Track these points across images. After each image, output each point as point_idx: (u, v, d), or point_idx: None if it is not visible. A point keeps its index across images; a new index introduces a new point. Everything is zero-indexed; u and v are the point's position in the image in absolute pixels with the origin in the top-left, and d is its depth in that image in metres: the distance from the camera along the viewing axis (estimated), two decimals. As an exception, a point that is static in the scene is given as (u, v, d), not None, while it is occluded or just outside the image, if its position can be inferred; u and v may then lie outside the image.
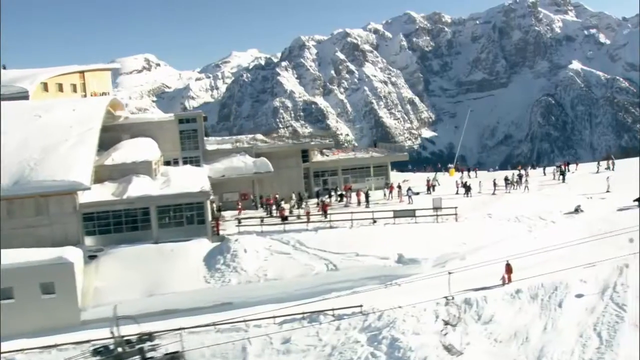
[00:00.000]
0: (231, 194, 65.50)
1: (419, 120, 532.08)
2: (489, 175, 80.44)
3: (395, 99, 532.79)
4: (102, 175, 56.06)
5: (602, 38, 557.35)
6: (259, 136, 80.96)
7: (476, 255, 44.32)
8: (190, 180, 57.41)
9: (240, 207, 62.18)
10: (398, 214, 53.55)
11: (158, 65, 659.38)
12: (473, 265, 37.96)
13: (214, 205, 59.72)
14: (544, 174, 79.87)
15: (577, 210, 54.26)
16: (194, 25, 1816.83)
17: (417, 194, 65.73)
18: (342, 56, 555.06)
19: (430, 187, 69.42)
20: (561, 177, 72.91)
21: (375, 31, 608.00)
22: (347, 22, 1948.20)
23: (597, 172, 77.75)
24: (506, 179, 68.49)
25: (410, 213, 53.90)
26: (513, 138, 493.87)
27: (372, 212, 55.60)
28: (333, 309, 38.26)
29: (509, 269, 40.03)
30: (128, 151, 60.75)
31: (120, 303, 39.79)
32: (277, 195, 63.36)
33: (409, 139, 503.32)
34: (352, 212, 55.82)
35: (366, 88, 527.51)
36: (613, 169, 76.68)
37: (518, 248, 41.82)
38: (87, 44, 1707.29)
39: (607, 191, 60.93)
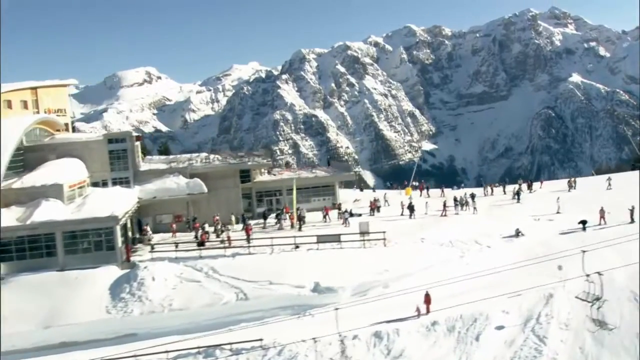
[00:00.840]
0: (165, 215, 62.63)
1: (419, 133, 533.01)
2: (451, 195, 78.04)
3: (395, 112, 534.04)
4: (10, 199, 52.81)
5: (602, 51, 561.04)
6: (198, 155, 77.25)
7: (400, 283, 41.29)
8: (110, 203, 54.46)
9: (174, 229, 59.36)
10: (322, 239, 50.56)
11: (159, 78, 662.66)
12: (390, 293, 36.37)
13: (130, 229, 57.65)
14: (504, 193, 77.57)
15: (517, 233, 52.14)
16: (195, 39, 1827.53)
17: (360, 215, 63.13)
18: (342, 69, 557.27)
19: (375, 208, 66.15)
20: (516, 197, 70.32)
21: (376, 44, 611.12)
22: (347, 35, 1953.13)
23: (570, 190, 75.73)
24: (455, 200, 65.75)
25: (335, 238, 50.78)
26: (513, 151, 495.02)
27: (294, 237, 52.17)
28: (231, 343, 35.72)
29: (427, 298, 37.43)
30: (42, 173, 57.68)
31: (11, 336, 37.98)
32: (217, 217, 60.67)
33: (410, 152, 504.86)
34: (272, 237, 52.49)
35: (366, 101, 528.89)
36: (574, 188, 75.47)
37: (446, 275, 39.29)
38: (88, 57, 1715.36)
39: (558, 212, 59.09)
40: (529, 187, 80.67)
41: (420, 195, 77.71)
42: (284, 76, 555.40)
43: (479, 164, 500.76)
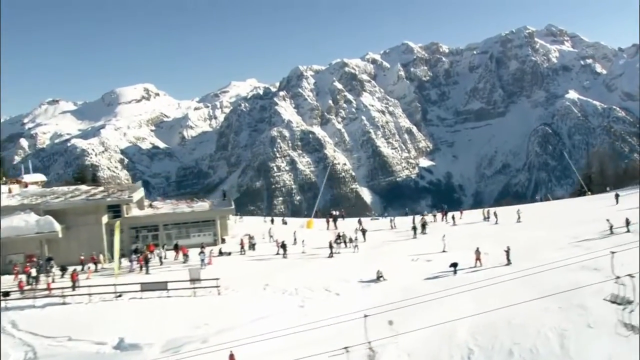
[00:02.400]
0: (16, 255, 57.13)
1: (416, 149, 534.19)
2: (366, 225, 74.46)
3: (392, 129, 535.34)
4: None
5: (599, 68, 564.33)
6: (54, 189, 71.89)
7: (221, 337, 36.42)
8: None
9: (24, 270, 52.77)
10: (146, 287, 45.74)
11: (157, 94, 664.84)
12: (202, 350, 32.10)
13: None
14: (444, 219, 76.09)
15: (378, 277, 46.98)
16: (193, 55, 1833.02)
17: (229, 254, 59.11)
18: (339, 86, 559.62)
19: (250, 246, 61.10)
20: (414, 231, 65.42)
21: (373, 61, 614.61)
22: (345, 52, 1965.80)
23: (485, 219, 73.76)
24: (338, 237, 61.36)
25: (162, 286, 45.92)
26: (511, 167, 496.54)
27: (115, 284, 46.42)
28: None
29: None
30: None
31: None
32: (82, 257, 55.75)
33: (407, 168, 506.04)
34: (90, 286, 46.94)
35: (364, 117, 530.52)
36: (496, 219, 71.72)
37: (276, 327, 34.46)
38: (86, 74, 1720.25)
39: (444, 251, 54.27)
40: (444, 217, 77.74)
41: (328, 228, 74.42)
42: (282, 93, 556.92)
43: (476, 180, 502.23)
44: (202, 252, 54.96)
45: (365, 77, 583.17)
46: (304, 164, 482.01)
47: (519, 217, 68.50)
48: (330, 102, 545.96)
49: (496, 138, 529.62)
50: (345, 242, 60.32)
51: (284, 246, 57.63)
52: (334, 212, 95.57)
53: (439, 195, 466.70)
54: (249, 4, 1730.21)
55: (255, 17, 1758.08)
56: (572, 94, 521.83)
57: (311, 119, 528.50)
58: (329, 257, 56.31)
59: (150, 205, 72.61)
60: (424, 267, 50.15)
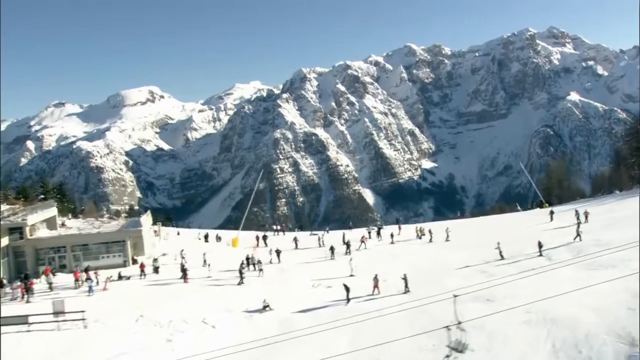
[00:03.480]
0: None
1: (419, 151, 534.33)
2: (304, 241, 71.83)
3: (395, 130, 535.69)
4: None
5: (600, 70, 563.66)
6: None
7: None
8: None
9: None
10: (5, 321, 39.96)
11: (162, 97, 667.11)
12: None
13: None
14: (378, 237, 72.23)
15: (264, 307, 43.00)
16: (198, 58, 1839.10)
17: (128, 278, 54.18)
18: (342, 88, 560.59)
19: (154, 269, 55.61)
20: (330, 251, 61.20)
21: (376, 63, 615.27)
22: (348, 54, 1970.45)
23: (420, 238, 69.56)
24: (247, 259, 56.38)
25: (22, 320, 40.46)
26: (513, 169, 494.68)
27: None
28: None
29: None
30: None
31: None
32: None
33: (409, 170, 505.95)
34: None
35: (366, 119, 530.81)
36: (430, 239, 67.59)
37: None
38: (92, 77, 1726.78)
39: (351, 275, 49.93)
40: (378, 234, 73.39)
41: (258, 245, 70.20)
42: (285, 95, 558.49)
43: (478, 182, 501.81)
44: (88, 278, 49.97)
45: (367, 79, 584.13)
46: (307, 165, 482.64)
47: (447, 236, 65.56)
48: (333, 104, 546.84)
49: (498, 139, 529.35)
50: (254, 264, 55.57)
51: (184, 270, 52.78)
52: (275, 227, 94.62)
53: (441, 197, 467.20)
54: (253, 7, 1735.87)
55: (258, 20, 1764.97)
56: (574, 96, 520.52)
57: (314, 120, 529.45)
58: (238, 284, 50.82)
59: (63, 225, 67.84)
60: (321, 294, 46.21)
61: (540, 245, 48.90)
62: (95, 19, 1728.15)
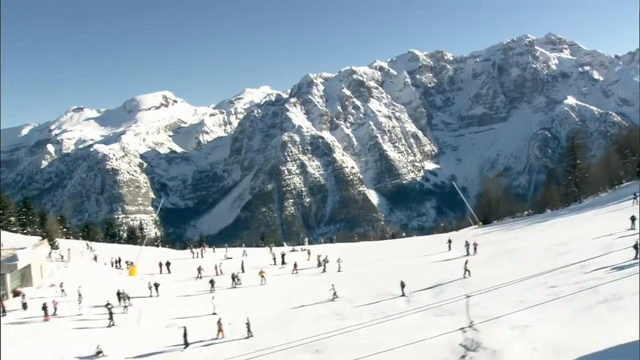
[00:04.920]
0: None
1: (422, 153, 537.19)
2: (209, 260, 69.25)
3: (399, 133, 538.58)
4: None
5: (596, 75, 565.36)
6: None
7: None
8: None
9: None
10: None
11: (175, 101, 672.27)
12: None
13: None
14: (283, 264, 68.00)
15: (97, 353, 36.75)
16: (210, 64, 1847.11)
17: None
18: (348, 92, 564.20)
19: (22, 305, 47.28)
20: (210, 284, 55.75)
21: (381, 68, 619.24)
22: (353, 60, 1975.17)
23: (320, 265, 64.27)
24: (117, 295, 49.22)
25: None
26: (512, 170, 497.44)
27: None
28: None
29: None
30: None
31: None
32: None
33: (412, 171, 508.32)
34: None
35: (371, 123, 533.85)
36: (324, 269, 62.53)
37: None
38: (109, 83, 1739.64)
39: (213, 313, 44.84)
40: (283, 262, 68.56)
41: (161, 272, 66.04)
42: (293, 99, 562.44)
43: (479, 182, 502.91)
44: None
45: (372, 84, 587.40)
46: (314, 167, 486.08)
47: (339, 267, 60.66)
48: (339, 108, 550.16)
49: (498, 142, 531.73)
50: (125, 299, 49.03)
51: (44, 307, 45.03)
52: (191, 248, 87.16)
53: (443, 197, 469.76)
54: (263, 16, 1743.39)
55: (268, 28, 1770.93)
56: (571, 100, 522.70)
57: (321, 124, 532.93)
58: (109, 325, 43.97)
59: None
60: (169, 336, 40.41)
61: (402, 285, 44.92)
62: (113, 28, 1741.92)
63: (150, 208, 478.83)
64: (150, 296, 53.18)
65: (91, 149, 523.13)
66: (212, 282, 55.92)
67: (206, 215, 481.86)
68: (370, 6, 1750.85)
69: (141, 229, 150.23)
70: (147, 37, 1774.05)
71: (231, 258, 75.71)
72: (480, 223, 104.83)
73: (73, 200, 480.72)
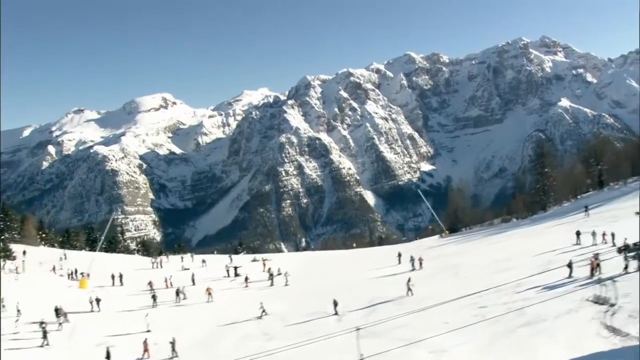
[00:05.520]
0: None
1: (418, 154, 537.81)
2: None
3: (395, 135, 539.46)
4: None
5: (589, 77, 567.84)
6: None
7: None
8: None
9: None
10: None
11: (174, 103, 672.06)
12: None
13: None
14: (236, 276, 65.48)
15: None
16: (209, 66, 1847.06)
17: None
18: (345, 94, 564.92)
19: None
20: (153, 299, 52.56)
21: (377, 71, 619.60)
22: (350, 62, 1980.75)
23: (270, 279, 61.34)
24: (55, 311, 45.38)
25: None
26: (507, 171, 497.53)
27: None
28: None
29: None
30: None
31: None
32: None
33: (409, 173, 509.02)
34: None
35: (368, 124, 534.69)
36: (272, 283, 60.42)
37: None
38: (110, 85, 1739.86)
39: (147, 330, 42.53)
40: (236, 274, 65.71)
41: (113, 284, 63.66)
42: (290, 101, 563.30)
43: (474, 183, 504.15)
44: None
45: (369, 86, 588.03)
46: (311, 168, 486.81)
47: (286, 281, 59.83)
48: (336, 109, 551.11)
49: (494, 143, 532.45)
50: (59, 315, 45.11)
51: None
52: (153, 259, 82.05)
53: (439, 198, 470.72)
54: (261, 18, 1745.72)
55: (267, 30, 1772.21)
56: (565, 102, 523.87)
57: (318, 125, 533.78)
58: (42, 345, 40.66)
59: None
60: (95, 356, 37.55)
61: (335, 304, 43.43)
62: (113, 30, 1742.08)
63: (149, 209, 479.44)
64: (92, 311, 50.28)
65: (91, 150, 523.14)
66: (154, 297, 52.95)
67: (205, 216, 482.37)
68: (368, 9, 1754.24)
69: (122, 233, 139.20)
70: (147, 39, 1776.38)
71: (188, 269, 72.48)
72: (447, 232, 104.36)
73: (73, 200, 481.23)
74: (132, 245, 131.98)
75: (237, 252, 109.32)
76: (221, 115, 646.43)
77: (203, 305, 52.45)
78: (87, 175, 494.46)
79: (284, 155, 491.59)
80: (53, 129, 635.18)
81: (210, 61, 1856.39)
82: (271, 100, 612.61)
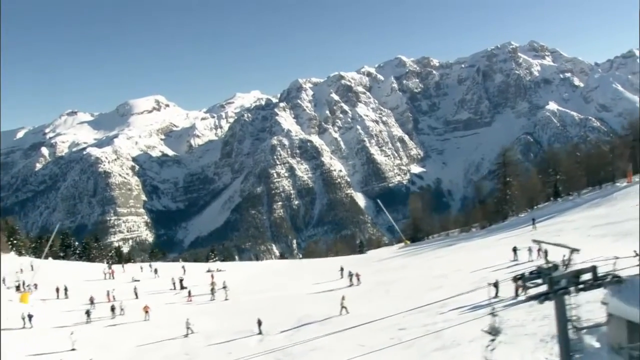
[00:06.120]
0: None
1: (408, 157, 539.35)
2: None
3: (386, 137, 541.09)
4: None
5: (576, 81, 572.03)
6: None
7: None
8: None
9: None
10: None
11: (167, 105, 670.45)
12: None
13: None
14: (182, 289, 62.52)
15: None
16: (202, 69, 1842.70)
17: None
18: (336, 97, 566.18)
19: None
20: (86, 315, 50.18)
21: (368, 74, 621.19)
22: (342, 65, 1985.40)
23: (212, 294, 59.13)
24: None
25: None
26: (496, 174, 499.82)
27: None
28: None
29: None
30: None
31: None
32: None
33: (399, 175, 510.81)
34: None
35: (359, 127, 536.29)
36: (213, 297, 58.45)
37: None
38: (103, 87, 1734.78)
39: (72, 349, 41.38)
40: (182, 286, 62.99)
41: (58, 297, 59.41)
42: (282, 104, 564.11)
43: (464, 185, 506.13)
44: None
45: (360, 89, 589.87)
46: (302, 170, 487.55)
47: (226, 296, 57.83)
48: (328, 112, 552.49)
49: (483, 146, 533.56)
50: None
51: None
52: (105, 270, 74.65)
53: (429, 200, 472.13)
54: (254, 22, 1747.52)
55: (259, 33, 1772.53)
56: (552, 105, 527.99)
57: (309, 128, 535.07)
58: None
59: None
60: None
61: (259, 323, 42.09)
62: (107, 33, 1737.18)
63: (142, 210, 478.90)
64: (23, 327, 47.25)
65: (84, 152, 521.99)
66: (87, 312, 50.46)
67: (197, 217, 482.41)
68: (359, 13, 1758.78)
69: (97, 240, 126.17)
70: (140, 41, 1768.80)
71: (138, 281, 69.01)
72: (408, 241, 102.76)
73: (66, 202, 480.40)
74: (125, 248, 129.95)
75: (208, 259, 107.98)
76: (214, 117, 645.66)
77: (137, 323, 49.43)
78: (80, 176, 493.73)
79: (275, 157, 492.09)
80: (47, 130, 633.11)
81: (203, 64, 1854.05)
82: (263, 102, 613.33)
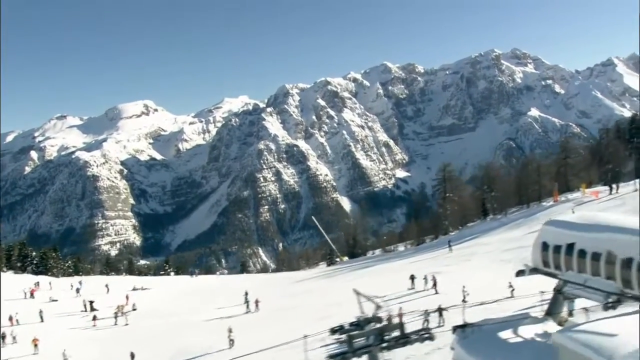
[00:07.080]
0: None
1: (393, 161, 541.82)
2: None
3: (371, 142, 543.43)
4: None
5: (558, 88, 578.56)
6: None
7: None
8: None
9: None
10: None
11: (156, 110, 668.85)
12: None
13: None
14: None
15: None
16: (190, 74, 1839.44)
17: None
18: (323, 103, 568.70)
19: None
20: (2, 342, 45.68)
21: (354, 80, 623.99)
22: (328, 71, 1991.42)
23: (116, 317, 54.66)
24: None
25: None
26: (479, 179, 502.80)
27: None
28: None
29: None
30: None
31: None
32: None
33: (384, 179, 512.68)
34: None
35: (345, 132, 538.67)
36: (116, 322, 54.06)
37: None
38: (92, 91, 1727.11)
39: None
40: (92, 308, 57.55)
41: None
42: (269, 109, 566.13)
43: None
44: None
45: (346, 94, 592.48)
46: (289, 174, 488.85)
47: (126, 321, 53.87)
48: (314, 117, 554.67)
49: (466, 151, 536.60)
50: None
51: None
52: (28, 289, 66.44)
53: (413, 205, 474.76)
54: (242, 28, 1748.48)
55: (246, 40, 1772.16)
56: (534, 112, 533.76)
57: (296, 133, 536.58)
58: None
59: None
60: None
61: (132, 356, 38.12)
62: (95, 38, 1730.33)
63: (129, 214, 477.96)
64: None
65: (73, 156, 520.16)
66: (3, 337, 46.09)
67: (184, 221, 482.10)
68: (346, 20, 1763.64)
69: (55, 250, 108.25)
70: (130, 47, 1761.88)
71: (56, 300, 63.58)
72: (344, 258, 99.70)
73: (54, 205, 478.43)
74: (113, 251, 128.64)
75: (163, 271, 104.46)
76: (201, 122, 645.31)
77: (23, 357, 43.54)
78: (68, 180, 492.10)
79: (262, 161, 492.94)
80: (36, 134, 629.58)
81: (191, 69, 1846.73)
82: (251, 107, 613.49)
